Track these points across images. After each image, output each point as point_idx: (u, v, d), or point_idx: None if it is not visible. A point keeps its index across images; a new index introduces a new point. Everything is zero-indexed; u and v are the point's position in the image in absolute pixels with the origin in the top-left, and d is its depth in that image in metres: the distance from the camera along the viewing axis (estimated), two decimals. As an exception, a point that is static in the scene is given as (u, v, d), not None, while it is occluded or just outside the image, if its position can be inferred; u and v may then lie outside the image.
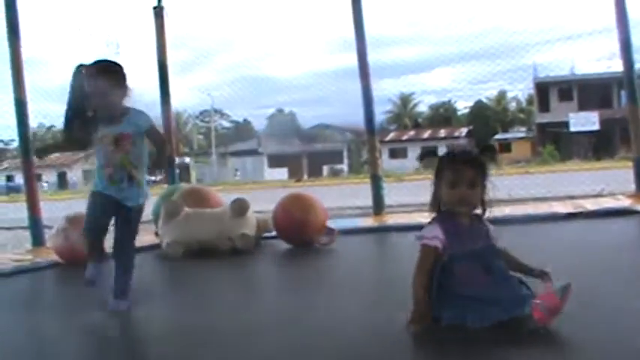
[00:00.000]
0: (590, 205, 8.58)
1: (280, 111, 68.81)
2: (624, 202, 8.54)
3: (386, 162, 55.75)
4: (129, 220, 4.62)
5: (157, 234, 7.87)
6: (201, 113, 67.80)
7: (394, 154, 58.16)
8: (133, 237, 4.72)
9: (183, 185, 9.13)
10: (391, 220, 9.17)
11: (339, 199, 13.15)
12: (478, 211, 3.42)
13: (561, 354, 2.85)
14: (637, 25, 10.46)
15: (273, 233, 7.56)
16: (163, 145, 4.74)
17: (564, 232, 7.27)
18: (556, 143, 51.65)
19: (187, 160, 57.66)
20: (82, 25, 15.44)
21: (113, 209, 4.54)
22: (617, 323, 3.16)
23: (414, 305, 3.25)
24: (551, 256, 5.58)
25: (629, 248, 5.97)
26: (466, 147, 3.67)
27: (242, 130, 72.90)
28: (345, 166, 60.41)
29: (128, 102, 4.54)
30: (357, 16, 10.24)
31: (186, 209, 7.45)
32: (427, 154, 3.51)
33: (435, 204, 3.41)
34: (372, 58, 10.43)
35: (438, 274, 3.26)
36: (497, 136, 60.44)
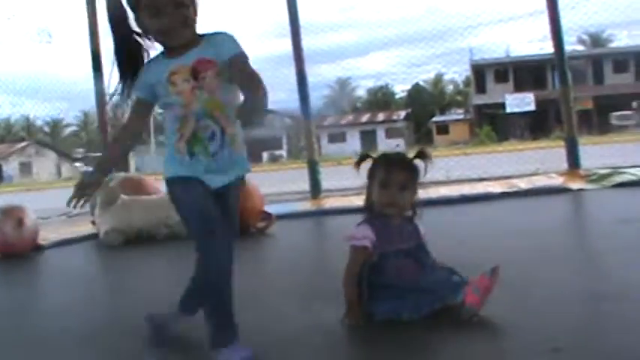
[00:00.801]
0: (523, 184, 8.75)
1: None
2: (557, 181, 8.71)
3: (325, 146, 56.14)
4: (228, 206, 3.07)
5: (93, 223, 7.80)
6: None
7: (333, 138, 58.32)
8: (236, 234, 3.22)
9: (120, 174, 9.06)
10: (328, 203, 9.24)
11: (278, 184, 13.14)
12: (408, 213, 3.46)
13: (495, 339, 2.90)
14: (566, 7, 10.66)
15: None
16: (259, 85, 2.74)
17: (498, 211, 7.41)
18: (493, 124, 52.29)
19: (125, 148, 56.92)
20: (12, 13, 15.05)
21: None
22: (549, 304, 3.23)
23: (347, 304, 3.29)
24: (485, 235, 5.75)
25: (560, 226, 6.13)
26: (400, 151, 3.75)
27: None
28: (284, 152, 60.34)
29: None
30: (291, 2, 10.26)
31: (123, 197, 7.40)
32: (362, 159, 3.56)
33: (368, 204, 3.46)
34: (307, 43, 10.49)
35: (367, 273, 3.29)
36: (435, 119, 61.04)
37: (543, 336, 2.76)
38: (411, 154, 3.47)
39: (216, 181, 2.98)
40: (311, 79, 10.33)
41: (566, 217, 6.96)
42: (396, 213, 3.39)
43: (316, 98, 63.03)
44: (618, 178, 8.25)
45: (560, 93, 9.90)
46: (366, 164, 3.47)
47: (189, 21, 2.98)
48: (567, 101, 9.65)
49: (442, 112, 65.22)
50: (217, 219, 2.90)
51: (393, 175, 3.35)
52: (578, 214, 7.41)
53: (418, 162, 3.41)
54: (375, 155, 3.53)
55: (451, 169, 12.22)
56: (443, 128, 59.24)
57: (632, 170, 8.70)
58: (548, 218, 6.56)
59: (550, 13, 9.65)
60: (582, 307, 3.21)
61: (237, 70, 2.89)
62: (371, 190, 3.41)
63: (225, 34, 3.02)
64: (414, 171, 3.40)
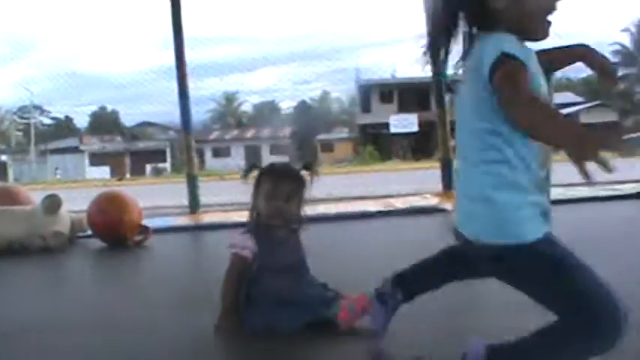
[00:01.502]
0: (399, 203, 8.94)
1: (103, 109, 67.43)
2: (431, 201, 8.94)
3: (209, 161, 55.87)
4: None
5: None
6: (20, 109, 65.60)
7: (217, 152, 58.19)
8: None
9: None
10: (206, 218, 9.22)
11: (159, 197, 13.06)
12: (294, 225, 3.45)
13: (366, 352, 2.96)
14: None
15: (88, 232, 7.44)
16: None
17: (375, 229, 7.55)
18: (377, 144, 53.12)
19: (4, 158, 55.40)
20: None
21: None
22: (417, 318, 3.32)
23: (222, 311, 3.28)
24: (360, 254, 5.84)
25: (432, 245, 6.28)
26: (287, 163, 3.77)
27: (63, 127, 70.90)
28: (167, 165, 59.78)
29: None
30: (176, 15, 10.24)
31: (-5, 207, 7.23)
32: (250, 170, 3.58)
33: (252, 214, 3.44)
34: (195, 56, 10.63)
35: (247, 284, 3.30)
36: (320, 137, 61.52)
37: (410, 349, 2.83)
38: (297, 166, 3.50)
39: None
40: (196, 92, 10.33)
41: (437, 238, 7.12)
42: (282, 224, 3.39)
43: (201, 112, 62.83)
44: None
45: (437, 115, 10.18)
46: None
47: None
48: (443, 123, 9.96)
49: (327, 130, 65.86)
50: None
51: (280, 186, 3.34)
52: (446, 234, 7.60)
53: (304, 174, 3.44)
54: (262, 166, 3.53)
55: (334, 187, 12.36)
56: (327, 146, 59.81)
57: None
58: (421, 238, 6.72)
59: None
60: (446, 320, 3.31)
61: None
62: (257, 201, 3.39)
63: None
64: (300, 182, 3.41)
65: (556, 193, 7.44)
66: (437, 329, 3.19)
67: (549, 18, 2.13)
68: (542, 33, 2.16)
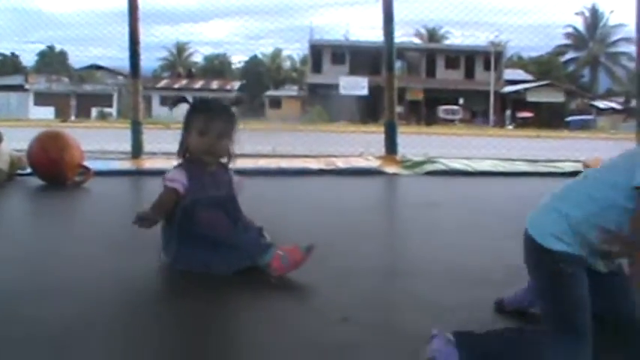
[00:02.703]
0: (341, 163, 9.02)
1: (51, 48, 66.14)
2: (373, 163, 9.03)
3: (156, 109, 55.22)
4: None
5: None
6: (-38, 44, 64.04)
7: (165, 101, 57.57)
8: None
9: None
10: (148, 164, 9.17)
11: (103, 141, 12.89)
12: (224, 160, 3.51)
13: (292, 304, 2.99)
14: (400, 0, 11.01)
15: (28, 170, 7.37)
16: None
17: (314, 187, 7.62)
18: (325, 104, 53.07)
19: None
20: None
21: None
22: (348, 277, 3.38)
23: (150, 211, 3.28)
24: (298, 209, 5.91)
25: (370, 206, 6.39)
26: (217, 99, 3.75)
27: (8, 64, 69.38)
28: (113, 110, 58.98)
29: None
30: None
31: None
32: (179, 101, 3.59)
33: (182, 151, 3.46)
34: (149, 2, 10.31)
35: (179, 217, 3.31)
36: (268, 93, 61.28)
37: (336, 306, 2.88)
38: (228, 102, 3.53)
39: None
40: (147, 39, 10.17)
41: (376, 198, 7.25)
42: (213, 160, 3.44)
43: (152, 59, 61.99)
44: (430, 167, 8.67)
45: (385, 79, 10.22)
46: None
47: None
48: (391, 88, 10.00)
49: (277, 86, 65.61)
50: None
51: (212, 123, 3.37)
52: (388, 195, 7.74)
53: (235, 110, 3.49)
54: (192, 101, 3.53)
55: (279, 144, 12.37)
56: (276, 103, 59.62)
57: (443, 160, 9.19)
58: (360, 198, 6.83)
59: (384, 1, 9.94)
60: (377, 282, 3.37)
61: None
62: (188, 136, 3.41)
63: None
64: (231, 119, 3.45)
65: (495, 164, 7.55)
66: (367, 293, 3.22)
67: None
68: None
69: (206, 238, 3.29)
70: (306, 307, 2.97)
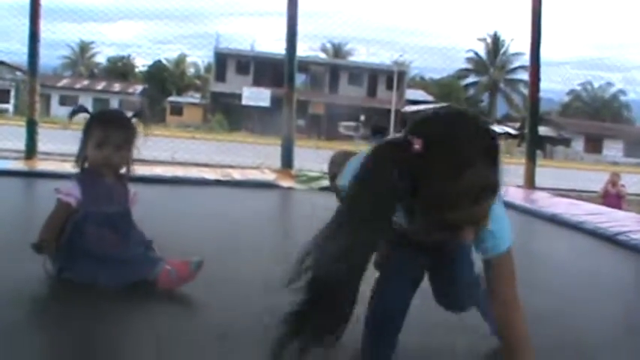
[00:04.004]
0: (238, 175, 9.06)
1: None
2: (269, 177, 9.11)
3: (55, 108, 54.11)
4: None
5: None
6: None
7: (64, 101, 56.46)
8: None
9: None
10: (41, 165, 9.00)
11: (-4, 139, 12.63)
12: (122, 171, 3.49)
13: (176, 318, 3.03)
14: (316, 14, 11.13)
15: None
16: None
17: (209, 197, 7.63)
18: (227, 113, 52.95)
19: None
20: None
21: None
22: (233, 291, 3.44)
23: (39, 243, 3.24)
24: (191, 219, 5.92)
25: (261, 221, 6.45)
26: (118, 110, 3.73)
27: None
28: (10, 106, 57.46)
29: None
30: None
31: None
32: (79, 111, 3.58)
33: (81, 161, 3.42)
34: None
35: (70, 231, 3.28)
36: (170, 98, 60.76)
37: (217, 321, 2.95)
38: (129, 114, 3.51)
39: None
40: (50, 36, 9.99)
41: (268, 212, 7.32)
42: (110, 173, 3.42)
43: (53, 57, 60.74)
44: (325, 182, 8.77)
45: (285, 93, 10.31)
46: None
47: None
48: (290, 102, 10.10)
49: (179, 93, 65.09)
50: None
51: (111, 134, 3.34)
52: (279, 209, 7.83)
53: (135, 122, 3.47)
54: (91, 111, 3.52)
55: (177, 151, 12.33)
56: (177, 109, 59.14)
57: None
58: (252, 211, 6.88)
59: (289, 15, 10.04)
60: (263, 297, 3.42)
61: None
62: (85, 147, 3.37)
63: None
64: (131, 131, 3.44)
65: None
66: (250, 308, 3.29)
67: None
68: None
69: (95, 252, 3.26)
70: (190, 321, 3.02)
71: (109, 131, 3.35)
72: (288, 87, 10.26)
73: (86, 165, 3.43)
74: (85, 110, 3.56)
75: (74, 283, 3.24)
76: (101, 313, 2.97)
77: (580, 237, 6.45)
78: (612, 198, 14.62)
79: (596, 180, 17.44)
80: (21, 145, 10.23)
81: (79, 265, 3.26)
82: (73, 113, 3.58)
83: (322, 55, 65.83)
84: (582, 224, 6.70)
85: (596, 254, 5.88)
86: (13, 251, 3.89)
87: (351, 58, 66.70)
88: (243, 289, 3.46)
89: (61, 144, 12.13)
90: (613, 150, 56.63)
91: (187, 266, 3.24)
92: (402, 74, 56.46)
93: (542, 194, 9.69)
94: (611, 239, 6.08)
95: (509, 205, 7.48)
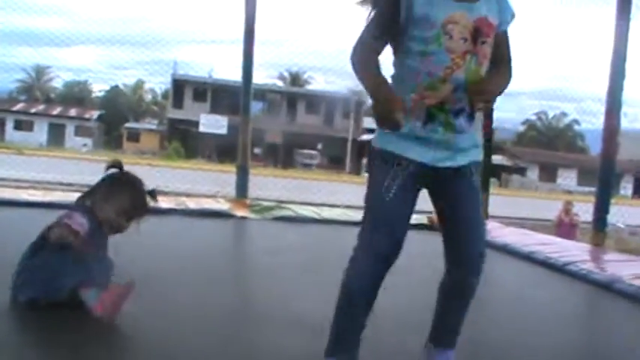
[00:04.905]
0: (192, 203, 9.02)
1: None
2: (223, 206, 9.07)
3: (10, 132, 53.60)
4: (470, 191, 2.64)
5: None
6: None
7: (19, 125, 55.98)
8: (485, 233, 2.73)
9: None
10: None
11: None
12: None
13: (124, 348, 3.07)
14: (275, 43, 11.17)
15: None
16: (508, 71, 2.62)
17: (160, 225, 7.57)
18: (184, 141, 52.83)
19: None
20: None
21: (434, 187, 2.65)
22: (175, 321, 3.43)
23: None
24: (139, 248, 5.87)
25: (212, 249, 6.43)
26: (142, 182, 3.69)
27: None
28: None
29: None
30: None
31: None
32: (113, 167, 3.64)
33: (89, 203, 3.48)
34: (12, 21, 10.08)
35: (48, 254, 3.28)
36: (127, 125, 60.49)
37: (166, 348, 2.97)
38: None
39: (445, 160, 2.52)
40: (6, 59, 9.93)
41: (220, 242, 7.27)
42: (111, 234, 3.57)
43: (9, 81, 60.14)
44: (279, 212, 8.78)
45: (240, 121, 10.31)
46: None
47: None
48: (245, 131, 10.09)
49: (136, 119, 64.82)
50: (388, 227, 2.52)
51: (136, 213, 3.52)
52: (232, 240, 7.80)
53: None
54: (128, 174, 3.62)
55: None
56: (134, 135, 58.87)
57: (292, 207, 9.34)
58: (205, 240, 6.86)
59: (245, 43, 10.05)
60: (207, 328, 3.44)
61: (501, 45, 2.55)
62: (104, 204, 3.45)
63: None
64: (146, 211, 3.62)
65: (344, 212, 7.67)
66: (196, 335, 3.28)
67: None
68: None
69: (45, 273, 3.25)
70: (132, 346, 3.05)
71: (136, 209, 3.54)
72: (243, 115, 10.25)
73: (95, 208, 3.47)
74: (120, 167, 3.63)
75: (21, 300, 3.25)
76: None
77: (530, 267, 6.53)
78: (566, 227, 14.83)
79: (550, 208, 17.69)
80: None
81: (29, 284, 3.26)
82: (109, 167, 3.62)
83: (280, 84, 66.02)
84: (533, 254, 6.78)
85: (546, 284, 5.96)
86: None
87: (309, 87, 66.99)
88: (185, 321, 3.45)
89: (14, 170, 12.03)
90: (567, 179, 57.30)
91: (114, 290, 3.20)
92: (359, 103, 56.75)
93: (494, 224, 9.77)
94: (560, 269, 6.17)
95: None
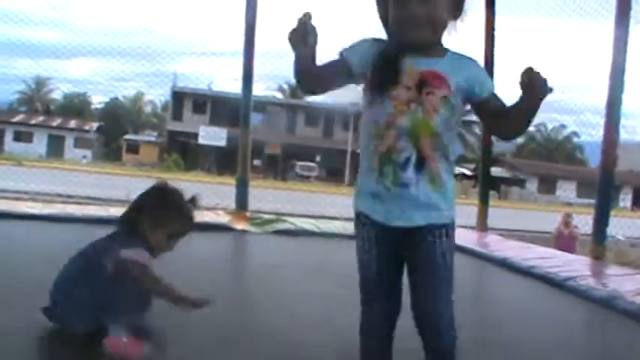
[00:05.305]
0: (191, 217, 8.99)
1: None
2: (223, 219, 9.07)
3: (10, 144, 53.62)
4: (426, 255, 2.50)
5: None
6: None
7: (19, 136, 55.99)
8: (447, 295, 2.53)
9: None
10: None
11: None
12: None
13: None
14: (266, 54, 11.16)
15: None
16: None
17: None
18: (183, 152, 52.83)
19: None
20: None
21: (400, 247, 2.57)
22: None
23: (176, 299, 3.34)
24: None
25: (213, 262, 6.42)
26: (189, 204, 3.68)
27: None
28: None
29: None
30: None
31: None
32: (193, 201, 3.61)
33: (136, 228, 3.42)
34: (12, 33, 10.08)
35: (117, 289, 3.22)
36: (127, 136, 60.51)
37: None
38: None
39: (395, 219, 2.49)
40: (8, 71, 9.91)
41: (220, 255, 7.27)
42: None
43: (9, 92, 60.20)
44: (279, 225, 8.78)
45: (240, 133, 10.30)
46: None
47: (433, 20, 2.45)
48: (245, 144, 10.08)
49: (136, 131, 64.84)
50: (377, 289, 2.59)
51: (182, 234, 3.51)
52: (232, 253, 7.78)
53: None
54: (173, 194, 3.55)
55: (134, 191, 12.19)
56: (133, 147, 58.87)
57: (292, 220, 9.33)
58: (205, 254, 6.82)
59: (245, 55, 10.06)
60: (197, 338, 3.45)
61: (496, 102, 2.53)
62: (154, 229, 3.41)
63: (476, 62, 2.57)
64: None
65: (344, 225, 7.62)
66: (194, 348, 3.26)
67: None
68: None
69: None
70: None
71: (185, 232, 3.51)
72: (243, 127, 10.24)
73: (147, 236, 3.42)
74: (193, 200, 3.62)
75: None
76: None
77: (530, 282, 6.50)
78: (565, 239, 14.77)
79: (549, 220, 17.66)
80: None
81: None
82: (193, 201, 3.62)
83: (279, 96, 66.08)
84: (533, 269, 6.76)
85: (546, 301, 5.92)
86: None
87: (308, 99, 67.01)
88: (188, 333, 3.44)
89: (13, 182, 12.02)
90: (566, 191, 57.31)
91: (140, 347, 3.14)
92: (358, 115, 56.80)
93: (494, 237, 9.77)
94: (560, 285, 6.14)
95: (461, 249, 7.55)
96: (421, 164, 2.44)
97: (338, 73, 2.52)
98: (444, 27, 2.50)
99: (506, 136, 2.59)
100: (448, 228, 2.49)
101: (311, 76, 2.49)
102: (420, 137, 2.43)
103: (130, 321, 3.20)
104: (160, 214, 3.45)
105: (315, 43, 2.39)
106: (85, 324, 3.20)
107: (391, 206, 2.47)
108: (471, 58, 2.55)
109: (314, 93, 2.75)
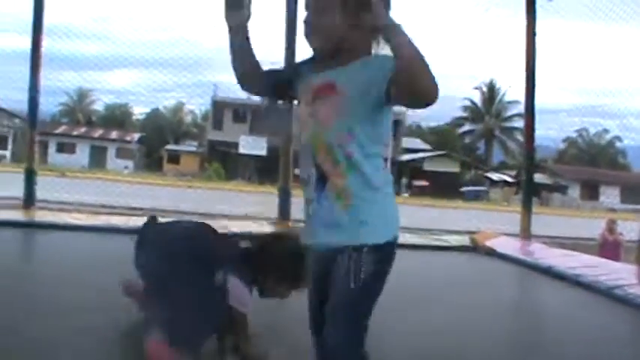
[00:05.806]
0: (235, 227, 9.03)
1: (-55, 86, 64.25)
2: (266, 229, 9.04)
3: (53, 155, 54.24)
4: (335, 277, 2.34)
5: None
6: None
7: (62, 148, 56.61)
8: (350, 321, 2.35)
9: None
10: (39, 215, 8.94)
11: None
12: None
13: None
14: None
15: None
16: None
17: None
18: (224, 162, 53.05)
19: None
20: None
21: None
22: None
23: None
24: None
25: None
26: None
27: None
28: (8, 153, 57.59)
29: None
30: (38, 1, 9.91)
31: None
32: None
33: (257, 276, 3.43)
34: (56, 46, 10.15)
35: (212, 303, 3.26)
36: (167, 147, 60.88)
37: None
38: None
39: (310, 240, 2.46)
40: (51, 83, 9.98)
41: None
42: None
43: (52, 104, 60.89)
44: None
45: (282, 142, 10.31)
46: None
47: (323, 29, 2.32)
48: (286, 152, 10.08)
49: (176, 141, 65.22)
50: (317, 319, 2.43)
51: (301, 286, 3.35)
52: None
53: None
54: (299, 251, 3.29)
55: (177, 200, 12.31)
56: (174, 157, 59.18)
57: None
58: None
59: (286, 63, 10.06)
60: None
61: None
62: (276, 286, 3.45)
63: (383, 57, 2.26)
64: None
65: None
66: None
67: None
68: None
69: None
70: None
71: (301, 286, 3.29)
72: (286, 137, 10.24)
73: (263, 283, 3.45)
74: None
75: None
76: None
77: (576, 291, 6.43)
78: (610, 246, 14.53)
79: (592, 227, 17.44)
80: (17, 192, 10.19)
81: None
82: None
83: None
84: (579, 277, 6.69)
85: (593, 309, 5.85)
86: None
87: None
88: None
89: (57, 192, 12.15)
90: (610, 196, 56.65)
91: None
92: (398, 122, 56.68)
93: (538, 245, 9.69)
94: (607, 293, 6.07)
95: (505, 258, 7.49)
96: (323, 181, 2.32)
97: (269, 74, 2.57)
98: (342, 35, 2.30)
99: (418, 94, 2.14)
100: (363, 247, 2.28)
101: (244, 53, 2.50)
102: (317, 152, 2.33)
103: (196, 336, 3.22)
104: (280, 276, 3.45)
105: (249, 15, 2.42)
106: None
107: (309, 226, 2.42)
108: (382, 56, 2.28)
109: (247, 78, 2.60)
